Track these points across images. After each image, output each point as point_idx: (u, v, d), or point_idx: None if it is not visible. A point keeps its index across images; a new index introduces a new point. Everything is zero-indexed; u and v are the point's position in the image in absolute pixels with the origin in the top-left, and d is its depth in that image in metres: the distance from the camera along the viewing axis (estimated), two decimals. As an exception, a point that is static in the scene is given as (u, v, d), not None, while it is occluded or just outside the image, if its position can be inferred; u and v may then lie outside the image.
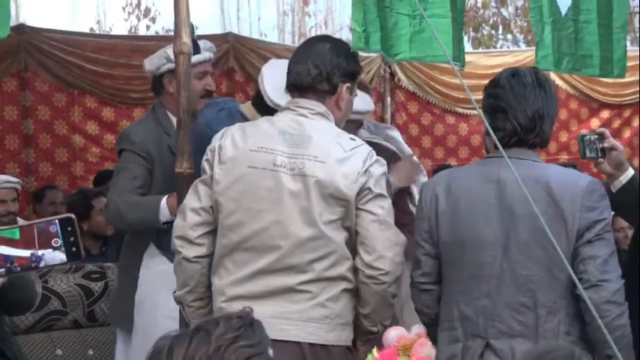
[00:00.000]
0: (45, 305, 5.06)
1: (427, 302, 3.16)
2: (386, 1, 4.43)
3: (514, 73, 3.11)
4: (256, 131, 3.19)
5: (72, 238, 2.20)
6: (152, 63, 4.23)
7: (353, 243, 3.14)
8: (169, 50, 3.95)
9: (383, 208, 3.12)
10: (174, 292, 3.33)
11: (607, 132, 3.45)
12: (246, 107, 3.94)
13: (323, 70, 3.19)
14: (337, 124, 3.26)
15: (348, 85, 3.27)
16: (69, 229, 2.20)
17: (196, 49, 4.04)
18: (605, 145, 3.40)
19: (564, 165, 8.45)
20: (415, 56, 4.75)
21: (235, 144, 3.15)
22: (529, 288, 2.91)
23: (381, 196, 3.12)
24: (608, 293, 2.83)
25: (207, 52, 4.24)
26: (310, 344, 3.07)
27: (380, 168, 3.14)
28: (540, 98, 3.04)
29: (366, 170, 3.09)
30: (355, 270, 3.14)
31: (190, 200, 3.21)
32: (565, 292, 2.90)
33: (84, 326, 5.24)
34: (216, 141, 3.19)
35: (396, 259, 3.12)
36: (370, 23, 4.39)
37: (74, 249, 2.20)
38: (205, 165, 3.19)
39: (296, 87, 3.24)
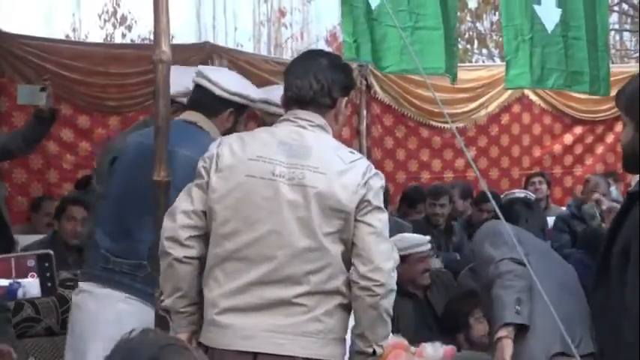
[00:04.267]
0: (18, 312, 5.03)
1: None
2: (373, 13, 4.46)
3: None
4: (255, 141, 3.18)
5: (48, 274, 2.21)
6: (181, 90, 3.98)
7: (348, 257, 3.13)
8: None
9: (380, 220, 3.12)
10: (162, 300, 3.23)
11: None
12: (191, 115, 3.82)
13: (325, 85, 3.23)
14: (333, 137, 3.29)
15: (345, 99, 3.33)
16: (46, 264, 2.21)
17: None
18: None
19: (531, 174, 8.53)
20: (406, 68, 4.77)
21: (233, 152, 3.13)
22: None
23: (379, 208, 3.13)
24: None
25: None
26: (305, 359, 3.04)
27: (379, 181, 3.15)
28: None
29: (365, 182, 3.10)
30: (349, 284, 3.12)
31: (182, 202, 3.16)
32: None
33: (57, 334, 5.20)
34: (213, 149, 3.18)
35: (391, 273, 3.12)
36: (361, 34, 4.42)
37: (49, 284, 2.22)
38: (202, 171, 3.15)
39: (297, 100, 3.25)
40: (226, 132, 3.72)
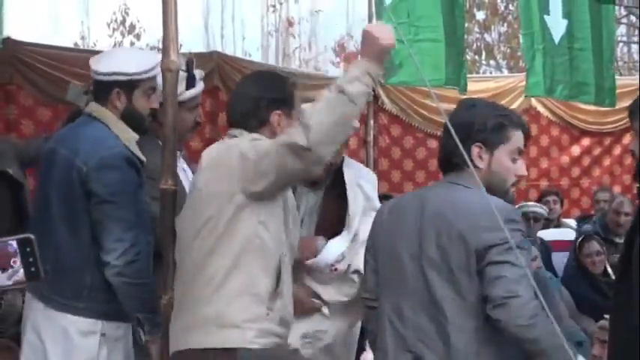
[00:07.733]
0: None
1: (373, 320, 3.27)
2: None
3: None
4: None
5: (31, 259, 2.20)
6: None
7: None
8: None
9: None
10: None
11: None
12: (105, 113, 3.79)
13: (249, 106, 3.33)
14: None
15: (279, 112, 3.36)
16: (27, 249, 2.20)
17: (192, 82, 3.98)
18: None
19: (545, 192, 8.55)
20: (405, 80, 4.80)
21: None
22: (441, 306, 2.97)
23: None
24: (514, 310, 2.84)
25: (201, 82, 4.10)
26: None
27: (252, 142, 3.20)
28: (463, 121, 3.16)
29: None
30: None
31: None
32: (475, 313, 2.95)
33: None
34: None
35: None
36: None
37: (33, 269, 2.21)
38: None
39: (232, 123, 3.40)
40: (126, 113, 3.76)
